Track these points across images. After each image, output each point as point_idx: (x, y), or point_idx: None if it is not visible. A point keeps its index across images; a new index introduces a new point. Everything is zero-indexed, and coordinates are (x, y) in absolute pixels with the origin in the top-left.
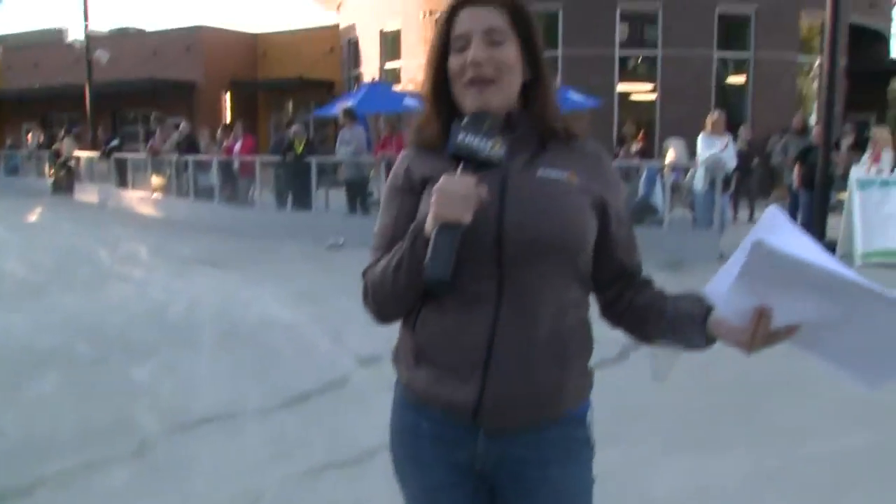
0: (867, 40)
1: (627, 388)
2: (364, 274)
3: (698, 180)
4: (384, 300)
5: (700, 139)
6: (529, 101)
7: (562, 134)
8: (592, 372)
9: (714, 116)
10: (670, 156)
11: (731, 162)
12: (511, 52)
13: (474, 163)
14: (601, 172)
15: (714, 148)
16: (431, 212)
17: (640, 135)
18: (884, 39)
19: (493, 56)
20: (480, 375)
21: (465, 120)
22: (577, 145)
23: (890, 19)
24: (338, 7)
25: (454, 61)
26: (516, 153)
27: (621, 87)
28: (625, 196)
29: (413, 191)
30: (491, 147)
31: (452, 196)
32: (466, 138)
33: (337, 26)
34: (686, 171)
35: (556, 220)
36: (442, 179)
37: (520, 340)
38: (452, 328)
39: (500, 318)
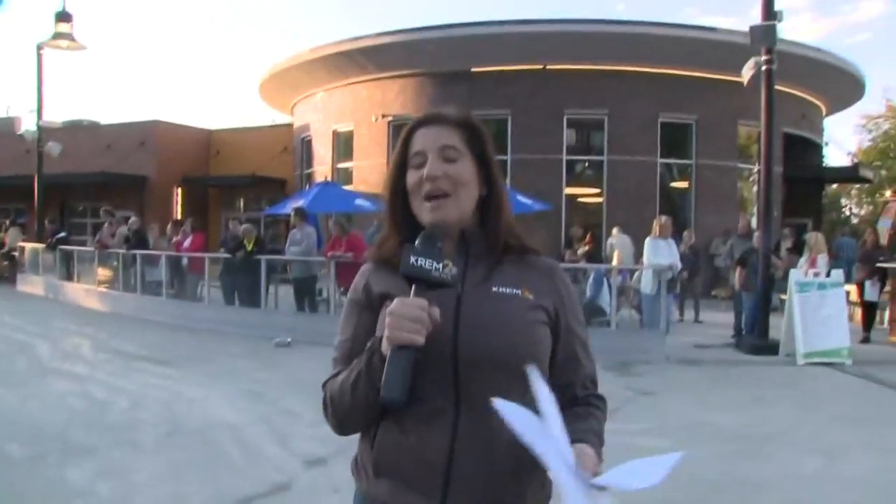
0: (802, 148)
1: None
2: (324, 386)
3: (646, 283)
4: (344, 415)
5: (647, 243)
6: (484, 215)
7: (517, 249)
8: (551, 483)
9: (661, 221)
10: (615, 258)
11: (677, 265)
12: (465, 169)
13: (426, 283)
14: (554, 287)
15: (660, 251)
16: (385, 334)
17: (588, 237)
18: (818, 147)
19: (447, 171)
20: (441, 490)
21: (417, 242)
22: (530, 260)
23: (821, 129)
24: (291, 108)
25: (411, 177)
26: (471, 270)
27: (568, 190)
28: (579, 309)
29: (371, 307)
30: (443, 268)
31: (404, 319)
32: (418, 260)
33: (291, 125)
34: (632, 272)
35: (510, 337)
36: (395, 302)
37: (479, 454)
38: (412, 443)
39: (458, 432)
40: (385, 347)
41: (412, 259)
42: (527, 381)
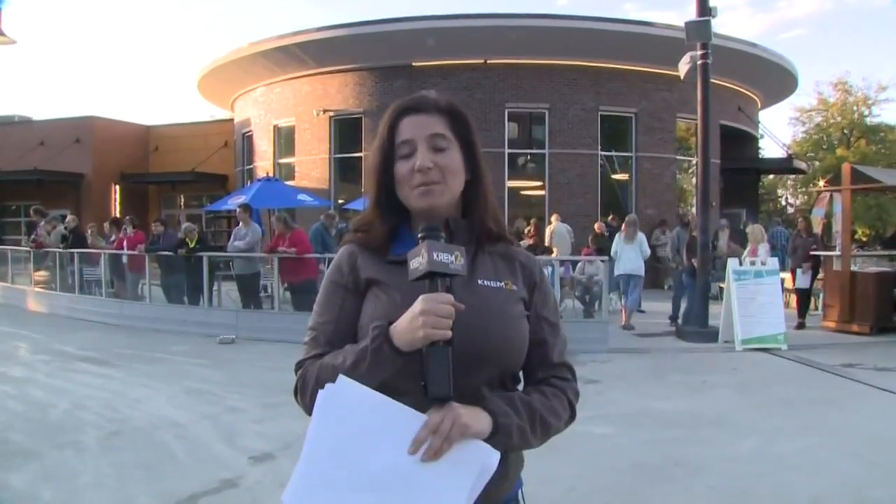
0: (739, 140)
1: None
2: (299, 366)
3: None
4: None
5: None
6: (468, 200)
7: (495, 234)
8: (523, 454)
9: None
10: (554, 252)
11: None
12: (454, 157)
13: (438, 276)
14: (531, 278)
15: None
16: (421, 333)
17: (532, 230)
18: (754, 139)
19: (437, 161)
20: None
21: (423, 234)
22: (507, 249)
23: (756, 122)
24: (231, 103)
25: (401, 167)
26: None
27: (511, 183)
28: (552, 294)
29: (357, 291)
30: (455, 259)
31: (437, 316)
32: (439, 256)
33: (231, 120)
34: (574, 264)
35: (503, 330)
36: (423, 300)
37: None
38: None
39: None
40: (413, 345)
41: (435, 255)
42: (509, 368)
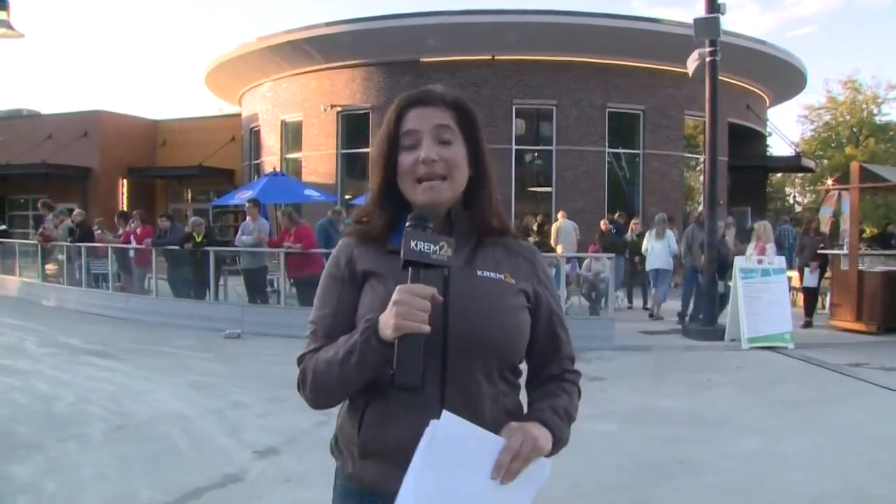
0: (747, 138)
1: None
2: (300, 360)
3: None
4: (326, 390)
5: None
6: (471, 197)
7: (497, 229)
8: None
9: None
10: (560, 249)
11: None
12: (459, 151)
13: (421, 266)
14: (534, 271)
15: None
16: (392, 322)
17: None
18: (762, 137)
19: (442, 154)
20: None
21: (410, 224)
22: (510, 243)
23: (765, 120)
24: (239, 98)
25: (405, 158)
26: (456, 251)
27: (517, 179)
28: (556, 289)
29: (354, 282)
30: (440, 250)
31: (412, 308)
32: (418, 245)
33: (239, 115)
34: (580, 261)
35: (498, 323)
36: (399, 291)
37: None
38: (400, 425)
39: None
40: (389, 335)
41: (413, 244)
42: (507, 360)
